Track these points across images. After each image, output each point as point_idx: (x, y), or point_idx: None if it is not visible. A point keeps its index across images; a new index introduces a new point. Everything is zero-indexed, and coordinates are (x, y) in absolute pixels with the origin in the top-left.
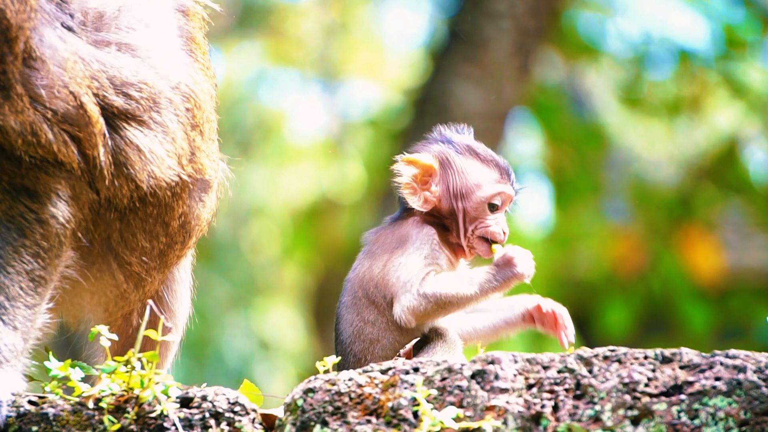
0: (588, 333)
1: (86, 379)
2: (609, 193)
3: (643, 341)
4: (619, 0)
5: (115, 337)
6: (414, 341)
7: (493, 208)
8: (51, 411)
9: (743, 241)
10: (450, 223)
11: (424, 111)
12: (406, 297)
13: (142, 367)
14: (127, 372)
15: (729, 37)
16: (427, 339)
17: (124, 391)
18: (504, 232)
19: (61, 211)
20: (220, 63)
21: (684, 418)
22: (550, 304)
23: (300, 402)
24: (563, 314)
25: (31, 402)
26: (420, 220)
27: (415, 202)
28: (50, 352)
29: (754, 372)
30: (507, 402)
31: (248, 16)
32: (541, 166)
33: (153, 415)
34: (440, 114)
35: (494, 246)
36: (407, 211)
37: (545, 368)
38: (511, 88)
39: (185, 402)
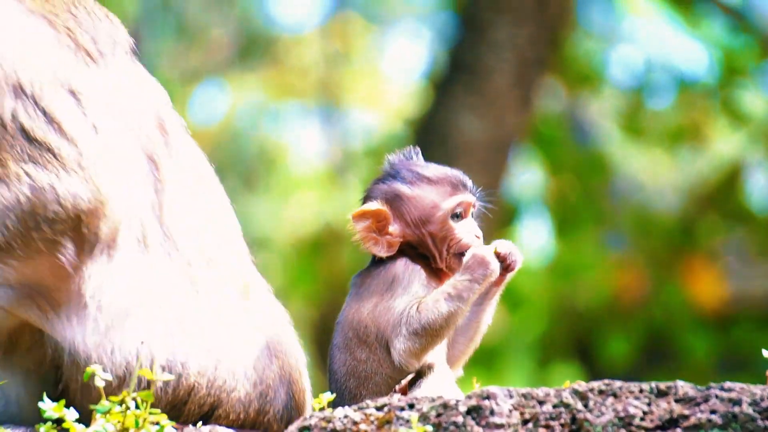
0: (589, 363)
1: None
2: (611, 222)
3: (644, 371)
4: (620, 29)
5: (109, 377)
6: (409, 377)
7: (456, 219)
8: None
9: (746, 270)
10: (426, 252)
11: (426, 141)
12: (399, 341)
13: (137, 407)
14: (122, 412)
15: (729, 63)
16: (418, 373)
17: (119, 431)
18: (477, 237)
19: None
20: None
21: None
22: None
23: None
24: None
25: None
26: (407, 259)
27: (380, 251)
28: (44, 393)
29: (750, 405)
30: None
31: (251, 48)
32: (543, 196)
33: None
34: (442, 144)
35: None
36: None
37: (541, 403)
38: (512, 118)
39: None
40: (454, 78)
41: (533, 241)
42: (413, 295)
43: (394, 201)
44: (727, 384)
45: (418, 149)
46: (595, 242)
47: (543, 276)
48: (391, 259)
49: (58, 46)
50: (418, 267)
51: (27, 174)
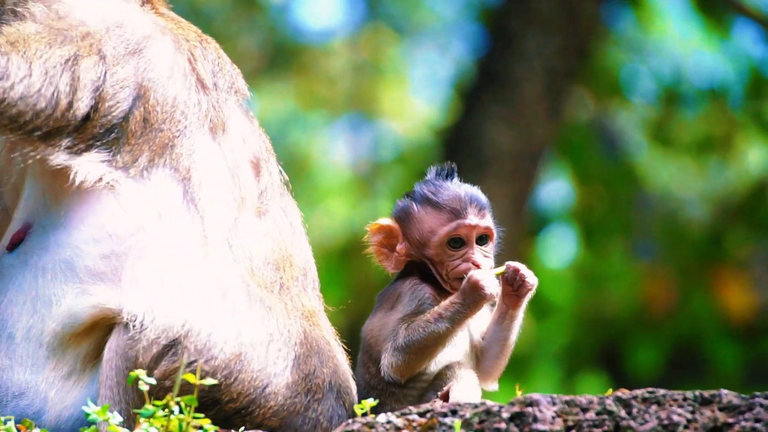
0: (617, 372)
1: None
2: (639, 233)
3: (672, 381)
4: (648, 39)
5: (153, 381)
6: (451, 384)
7: (456, 245)
8: None
9: None
10: (433, 273)
11: (455, 151)
12: (385, 356)
13: (181, 411)
14: (166, 416)
15: (758, 73)
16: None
17: None
18: (477, 264)
19: None
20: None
21: None
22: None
23: None
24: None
25: None
26: (416, 278)
27: (388, 266)
28: (88, 399)
29: None
30: None
31: (279, 57)
32: (571, 206)
33: None
34: (471, 154)
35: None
36: (406, 269)
37: (584, 410)
38: (541, 128)
39: None
40: (483, 88)
41: (561, 250)
42: (411, 313)
43: (404, 220)
44: None
45: (455, 166)
46: (623, 252)
47: (571, 285)
48: (404, 276)
49: (171, 64)
50: (425, 286)
51: None
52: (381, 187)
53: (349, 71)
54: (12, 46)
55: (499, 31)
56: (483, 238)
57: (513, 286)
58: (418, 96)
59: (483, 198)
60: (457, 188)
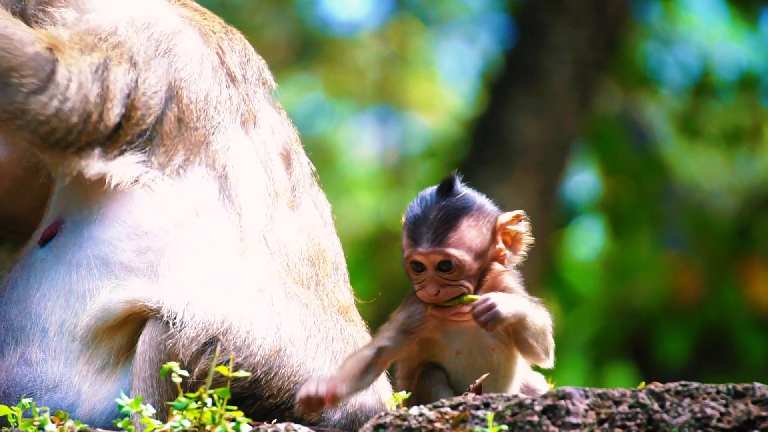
0: (645, 363)
1: None
2: (667, 224)
3: (700, 371)
4: (676, 30)
5: (186, 373)
6: (484, 376)
7: (417, 269)
8: None
9: None
10: None
11: (484, 142)
12: None
13: (214, 404)
14: (199, 408)
15: None
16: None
17: (196, 427)
18: (432, 293)
19: None
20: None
21: None
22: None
23: None
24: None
25: None
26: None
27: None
28: (121, 391)
29: None
30: None
31: (307, 49)
32: (599, 197)
33: None
34: (500, 146)
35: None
36: None
37: (617, 403)
38: (570, 119)
39: None
40: (511, 80)
41: (589, 241)
42: (399, 325)
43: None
44: None
45: (455, 177)
46: (651, 243)
47: (598, 276)
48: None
49: (201, 59)
50: (412, 299)
51: None
52: (409, 178)
53: (377, 63)
54: (51, 53)
55: (527, 22)
56: (446, 265)
57: (477, 318)
58: (446, 88)
59: (452, 222)
60: (425, 210)
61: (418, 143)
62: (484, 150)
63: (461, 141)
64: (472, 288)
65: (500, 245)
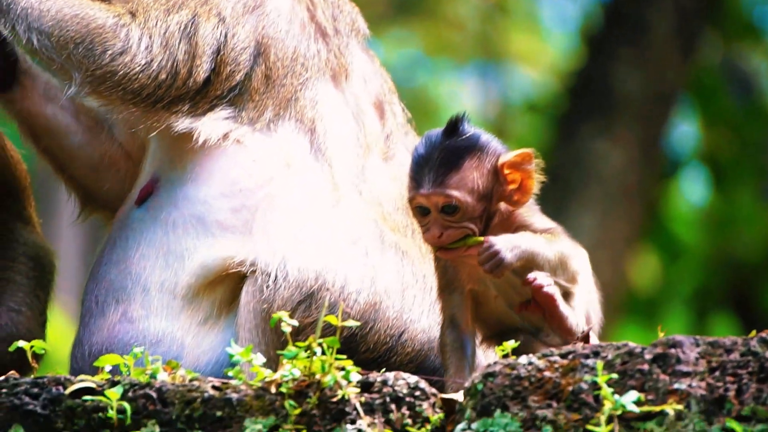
0: (748, 315)
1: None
2: None
3: None
4: None
5: (295, 323)
6: (590, 326)
7: (422, 212)
8: (234, 396)
9: None
10: None
11: (584, 95)
12: None
13: (323, 353)
14: (308, 357)
15: None
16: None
17: (306, 376)
18: (435, 236)
19: None
20: (378, 49)
21: None
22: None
23: (480, 386)
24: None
25: (214, 387)
26: None
27: None
28: (232, 340)
29: None
30: (689, 386)
31: (406, 2)
32: (702, 148)
33: (334, 399)
34: (600, 98)
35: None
36: None
37: (728, 351)
38: (672, 70)
39: (366, 386)
40: (612, 31)
41: (693, 193)
42: (437, 290)
43: None
44: None
45: (463, 117)
46: (754, 194)
47: (701, 227)
48: None
49: (289, 16)
50: (435, 255)
51: None
52: (510, 131)
53: (477, 15)
54: (132, 17)
55: None
56: (449, 208)
57: (484, 269)
58: (547, 40)
59: (454, 162)
60: (428, 151)
61: (519, 96)
62: (585, 102)
63: (562, 93)
64: (477, 230)
65: (508, 185)
